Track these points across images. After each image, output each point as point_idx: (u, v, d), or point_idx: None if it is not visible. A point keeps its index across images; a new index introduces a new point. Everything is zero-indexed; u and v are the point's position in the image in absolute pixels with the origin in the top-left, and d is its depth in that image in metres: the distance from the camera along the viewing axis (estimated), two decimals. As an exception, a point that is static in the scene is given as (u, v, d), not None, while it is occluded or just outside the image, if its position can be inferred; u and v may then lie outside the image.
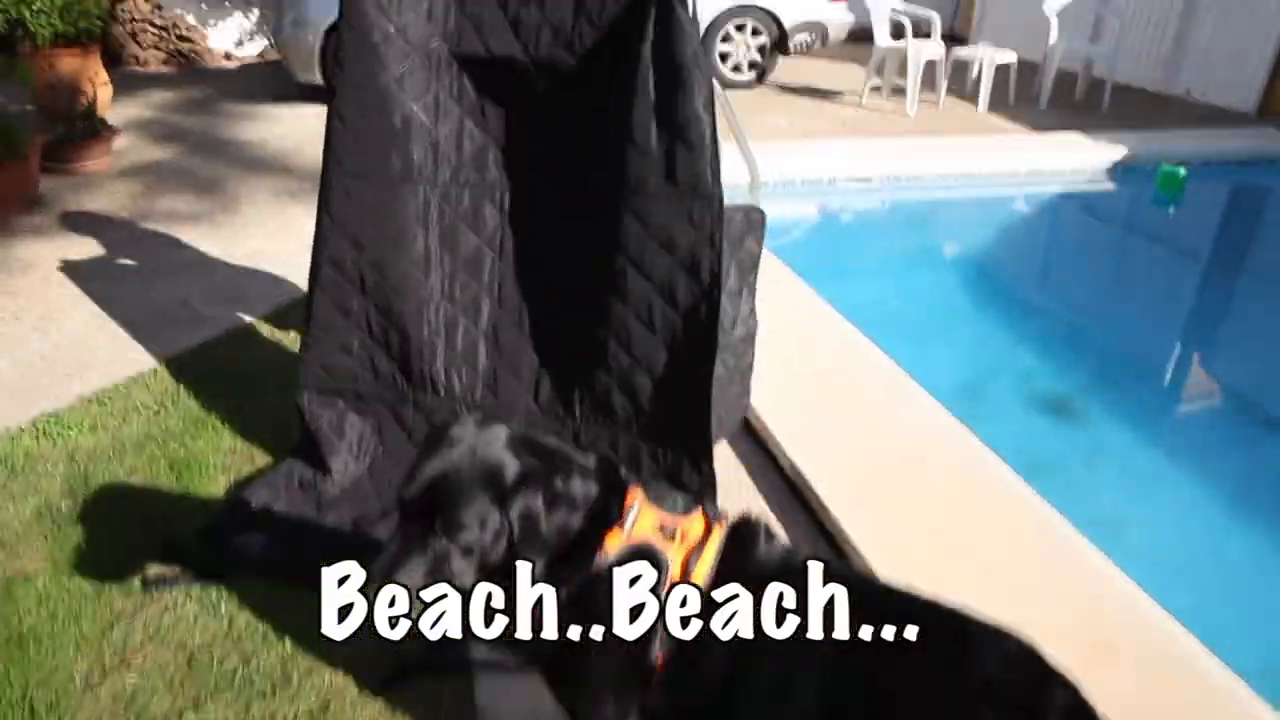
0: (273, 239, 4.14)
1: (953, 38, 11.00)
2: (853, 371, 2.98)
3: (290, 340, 3.19)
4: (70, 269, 3.84)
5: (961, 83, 7.77)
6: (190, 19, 8.98)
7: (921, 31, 7.17)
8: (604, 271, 2.11)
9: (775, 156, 5.45)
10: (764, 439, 2.59)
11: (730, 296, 2.34)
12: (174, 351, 3.13)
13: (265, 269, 3.82)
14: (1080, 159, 5.95)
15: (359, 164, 2.25)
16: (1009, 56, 7.34)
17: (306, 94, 6.74)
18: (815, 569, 1.16)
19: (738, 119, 4.25)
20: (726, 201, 2.05)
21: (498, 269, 2.31)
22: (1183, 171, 5.50)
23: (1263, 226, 6.08)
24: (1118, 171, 5.91)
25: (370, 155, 2.24)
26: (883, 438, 2.61)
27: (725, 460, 2.53)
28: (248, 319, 3.36)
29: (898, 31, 7.22)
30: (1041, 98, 7.47)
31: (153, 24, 8.57)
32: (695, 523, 1.25)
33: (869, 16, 7.35)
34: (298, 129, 6.07)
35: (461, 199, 2.29)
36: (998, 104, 7.33)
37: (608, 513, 1.21)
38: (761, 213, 2.51)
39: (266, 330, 3.28)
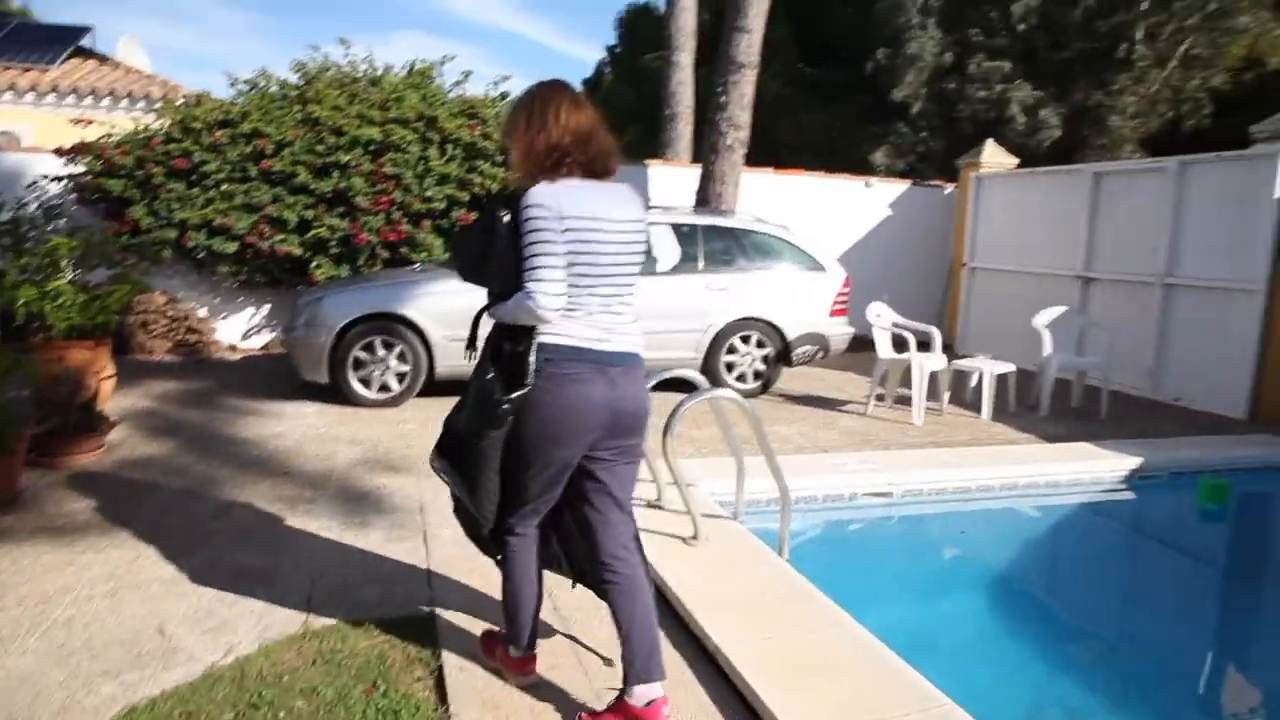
0: (265, 554, 3.79)
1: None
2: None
3: (278, 695, 2.75)
4: (34, 583, 3.45)
5: (960, 392, 7.88)
6: (202, 312, 9.20)
7: (922, 344, 7.35)
8: None
9: (793, 472, 5.31)
10: None
11: None
12: (137, 698, 2.68)
13: (254, 590, 3.45)
14: (1096, 468, 5.85)
15: None
16: (1008, 367, 7.50)
17: (309, 392, 6.69)
18: None
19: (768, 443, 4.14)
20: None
21: None
22: (1226, 483, 5.47)
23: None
24: (1133, 481, 5.80)
25: None
26: None
27: None
28: (230, 657, 2.93)
29: (899, 344, 7.42)
30: (1041, 405, 7.55)
31: (165, 315, 8.74)
32: None
33: (868, 328, 7.61)
34: (298, 428, 5.92)
35: None
36: (999, 412, 7.38)
37: None
38: None
39: (253, 672, 2.84)
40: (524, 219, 2.36)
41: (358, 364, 6.47)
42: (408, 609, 3.29)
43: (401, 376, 6.56)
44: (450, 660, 2.91)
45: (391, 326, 6.48)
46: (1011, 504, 5.60)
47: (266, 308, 9.44)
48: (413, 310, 6.49)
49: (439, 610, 3.26)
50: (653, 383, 4.52)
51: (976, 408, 7.39)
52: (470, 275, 2.60)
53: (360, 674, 2.81)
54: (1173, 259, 8.29)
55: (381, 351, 6.49)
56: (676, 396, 3.95)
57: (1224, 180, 7.87)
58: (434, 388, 6.70)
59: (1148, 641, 4.25)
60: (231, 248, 8.26)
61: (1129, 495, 5.79)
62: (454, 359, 6.61)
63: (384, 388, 6.55)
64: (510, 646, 2.78)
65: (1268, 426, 7.28)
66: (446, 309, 6.54)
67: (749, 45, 9.03)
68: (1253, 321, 7.56)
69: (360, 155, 8.20)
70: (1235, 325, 7.70)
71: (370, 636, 3.06)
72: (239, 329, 9.47)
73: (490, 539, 2.75)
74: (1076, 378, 7.97)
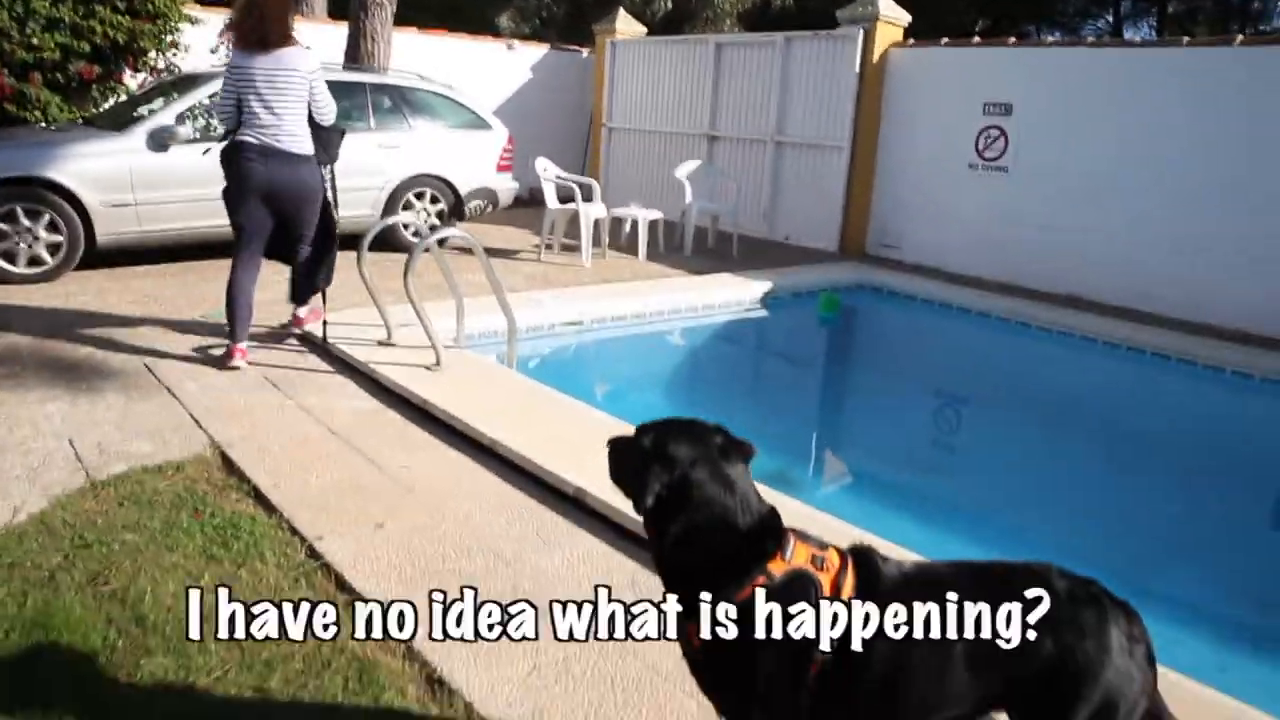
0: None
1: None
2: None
3: (101, 534, 2.81)
4: None
5: (617, 237, 8.82)
6: None
7: (585, 196, 8.10)
8: None
9: (500, 308, 5.86)
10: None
11: None
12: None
13: (4, 461, 3.29)
14: (739, 293, 7.14)
15: None
16: (657, 214, 8.54)
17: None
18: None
19: (497, 279, 4.61)
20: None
21: None
22: (837, 296, 7.10)
23: (876, 335, 7.86)
24: (768, 300, 7.19)
25: None
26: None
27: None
28: (22, 515, 2.88)
29: (563, 196, 8.11)
30: (686, 246, 8.74)
31: None
32: (834, 554, 1.55)
33: (529, 183, 8.19)
34: (-58, 308, 5.21)
35: None
36: (652, 253, 8.43)
37: (769, 544, 1.50)
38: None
39: (58, 522, 2.83)
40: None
41: (-3, 236, 5.73)
42: (191, 451, 3.39)
43: (55, 248, 5.92)
44: (262, 480, 3.14)
45: (34, 192, 5.78)
46: (676, 324, 6.70)
47: None
48: (61, 174, 5.82)
49: (225, 447, 3.41)
50: (371, 235, 4.79)
51: (633, 250, 8.36)
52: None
53: (176, 506, 2.96)
54: (781, 121, 9.81)
55: (26, 221, 5.78)
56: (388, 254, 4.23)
57: (818, 55, 9.40)
58: (100, 259, 6.15)
59: (790, 413, 5.62)
60: None
61: (764, 312, 7.18)
62: (118, 226, 6.09)
63: (35, 260, 5.87)
64: (231, 343, 4.47)
65: (852, 256, 9.18)
66: (104, 171, 5.97)
67: (392, -103, 8.78)
68: (840, 174, 9.32)
69: (-65, -8, 6.85)
70: (828, 177, 9.42)
71: (166, 477, 3.16)
72: None
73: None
74: (711, 222, 9.28)
